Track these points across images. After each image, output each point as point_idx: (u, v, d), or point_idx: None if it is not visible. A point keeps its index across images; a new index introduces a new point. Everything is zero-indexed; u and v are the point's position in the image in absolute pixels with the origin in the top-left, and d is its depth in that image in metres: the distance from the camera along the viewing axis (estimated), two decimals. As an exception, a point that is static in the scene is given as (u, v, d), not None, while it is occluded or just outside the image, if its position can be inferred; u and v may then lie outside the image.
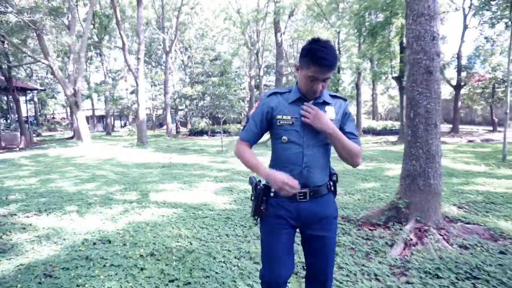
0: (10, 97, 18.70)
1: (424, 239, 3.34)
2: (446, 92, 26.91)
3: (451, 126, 20.22)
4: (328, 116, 1.60)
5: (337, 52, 20.55)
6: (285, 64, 25.59)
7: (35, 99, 28.31)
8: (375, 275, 2.74)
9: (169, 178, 7.23)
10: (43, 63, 15.42)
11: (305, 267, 2.00)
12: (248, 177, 6.86)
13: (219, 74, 26.60)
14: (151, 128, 33.02)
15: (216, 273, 2.80)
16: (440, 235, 3.42)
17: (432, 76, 3.60)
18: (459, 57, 19.01)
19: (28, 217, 4.45)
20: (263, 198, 1.67)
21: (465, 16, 18.20)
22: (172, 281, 2.68)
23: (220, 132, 20.02)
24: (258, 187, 1.67)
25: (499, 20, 8.97)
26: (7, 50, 16.10)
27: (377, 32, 13.22)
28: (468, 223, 3.82)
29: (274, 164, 1.70)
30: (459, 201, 4.89)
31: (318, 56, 1.46)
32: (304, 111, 1.58)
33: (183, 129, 30.26)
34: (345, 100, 1.74)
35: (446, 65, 19.22)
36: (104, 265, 2.93)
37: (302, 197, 1.64)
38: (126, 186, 6.36)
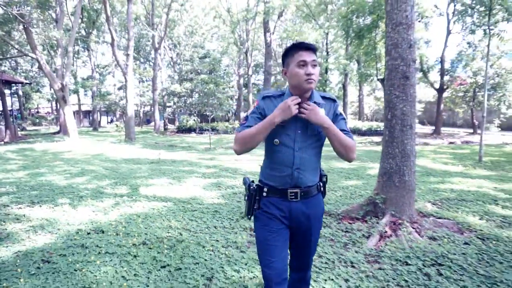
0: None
1: (398, 232, 3.62)
2: (430, 94, 27.65)
3: (433, 128, 20.85)
4: None
5: (325, 53, 20.92)
6: (273, 63, 25.83)
7: (20, 92, 27.85)
8: (351, 262, 3.00)
9: (158, 173, 7.38)
10: (30, 56, 15.25)
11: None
12: (234, 174, 7.04)
13: (208, 72, 26.64)
14: (138, 125, 32.81)
15: (205, 260, 3.01)
16: (413, 228, 3.71)
17: (408, 81, 3.88)
18: (442, 61, 19.62)
19: (21, 208, 4.56)
20: (256, 198, 1.74)
21: (448, 22, 18.80)
22: (164, 266, 2.88)
23: (208, 130, 20.14)
24: (251, 187, 1.74)
25: (478, 28, 9.38)
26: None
27: (364, 35, 13.56)
28: (439, 217, 4.13)
29: (266, 165, 1.77)
30: (434, 198, 5.22)
31: (299, 42, 1.63)
32: (301, 108, 1.61)
33: (171, 126, 30.20)
34: (335, 101, 1.78)
35: (429, 68, 19.75)
36: (99, 253, 3.11)
37: (293, 197, 1.70)
38: (116, 181, 6.49)
